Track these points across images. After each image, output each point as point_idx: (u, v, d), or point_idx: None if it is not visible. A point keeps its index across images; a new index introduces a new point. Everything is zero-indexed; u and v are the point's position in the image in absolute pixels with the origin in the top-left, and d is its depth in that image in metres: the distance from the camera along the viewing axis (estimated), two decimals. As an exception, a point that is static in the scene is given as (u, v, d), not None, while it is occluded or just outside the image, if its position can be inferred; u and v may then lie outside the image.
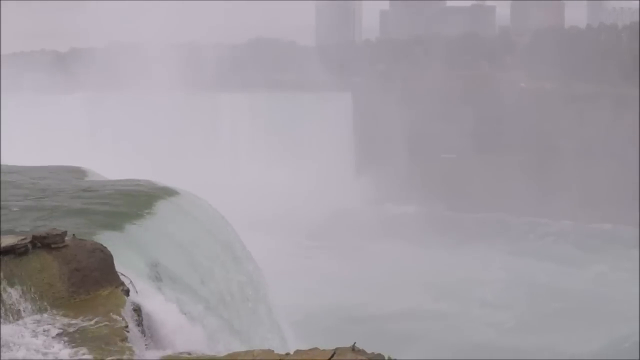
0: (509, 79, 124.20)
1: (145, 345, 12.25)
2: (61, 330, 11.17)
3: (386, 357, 12.32)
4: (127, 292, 13.26)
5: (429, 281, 77.15)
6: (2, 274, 11.48)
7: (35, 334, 10.87)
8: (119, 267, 13.68)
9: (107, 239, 16.92)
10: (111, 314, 12.03)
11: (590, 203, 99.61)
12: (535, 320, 68.00)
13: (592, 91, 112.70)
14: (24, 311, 11.36)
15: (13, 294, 11.39)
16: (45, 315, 11.52)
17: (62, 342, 10.80)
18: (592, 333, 64.08)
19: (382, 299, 71.47)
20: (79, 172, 28.51)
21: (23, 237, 12.45)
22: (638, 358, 56.37)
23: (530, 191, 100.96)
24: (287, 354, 12.05)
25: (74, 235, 13.45)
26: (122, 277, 13.58)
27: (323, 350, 12.01)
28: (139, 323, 12.91)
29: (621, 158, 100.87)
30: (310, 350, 12.24)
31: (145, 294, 14.42)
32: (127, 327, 11.80)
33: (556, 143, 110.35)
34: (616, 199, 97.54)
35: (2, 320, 10.93)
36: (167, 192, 24.21)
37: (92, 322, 11.61)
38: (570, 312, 69.62)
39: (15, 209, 19.62)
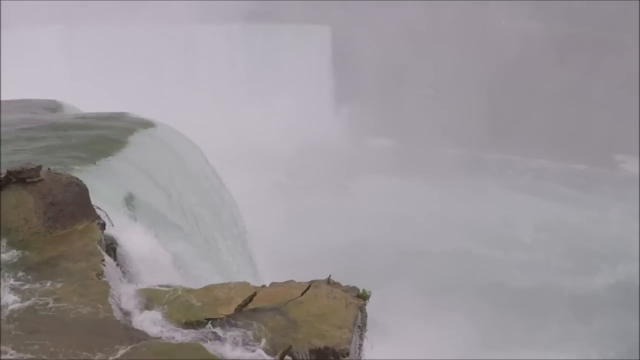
0: (491, 15, 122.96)
1: (121, 278, 12.29)
2: (38, 265, 11.18)
3: (360, 290, 12.51)
4: (103, 226, 13.21)
5: (432, 218, 72.03)
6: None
7: (9, 271, 10.85)
8: (94, 200, 13.61)
9: (82, 172, 16.84)
10: (87, 247, 12.02)
11: (564, 144, 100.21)
12: (572, 262, 66.97)
13: (573, 33, 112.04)
14: (-1, 247, 11.32)
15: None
16: (20, 251, 11.48)
17: (39, 277, 10.81)
18: (622, 271, 64.19)
19: (371, 236, 69.60)
20: (54, 105, 28.17)
21: (-2, 173, 12.33)
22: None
23: (504, 130, 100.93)
24: (263, 286, 12.18)
25: (49, 169, 13.33)
26: (97, 211, 13.52)
27: (299, 282, 12.17)
28: (115, 256, 12.95)
29: (598, 101, 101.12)
30: (286, 282, 12.39)
31: (121, 227, 14.39)
32: (103, 260, 11.80)
33: (534, 84, 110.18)
34: (590, 142, 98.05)
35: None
36: (143, 124, 24.09)
37: (69, 257, 11.60)
38: (601, 255, 68.81)
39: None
